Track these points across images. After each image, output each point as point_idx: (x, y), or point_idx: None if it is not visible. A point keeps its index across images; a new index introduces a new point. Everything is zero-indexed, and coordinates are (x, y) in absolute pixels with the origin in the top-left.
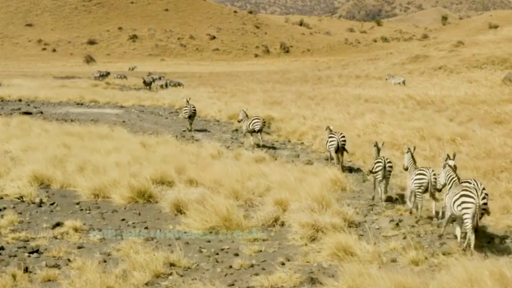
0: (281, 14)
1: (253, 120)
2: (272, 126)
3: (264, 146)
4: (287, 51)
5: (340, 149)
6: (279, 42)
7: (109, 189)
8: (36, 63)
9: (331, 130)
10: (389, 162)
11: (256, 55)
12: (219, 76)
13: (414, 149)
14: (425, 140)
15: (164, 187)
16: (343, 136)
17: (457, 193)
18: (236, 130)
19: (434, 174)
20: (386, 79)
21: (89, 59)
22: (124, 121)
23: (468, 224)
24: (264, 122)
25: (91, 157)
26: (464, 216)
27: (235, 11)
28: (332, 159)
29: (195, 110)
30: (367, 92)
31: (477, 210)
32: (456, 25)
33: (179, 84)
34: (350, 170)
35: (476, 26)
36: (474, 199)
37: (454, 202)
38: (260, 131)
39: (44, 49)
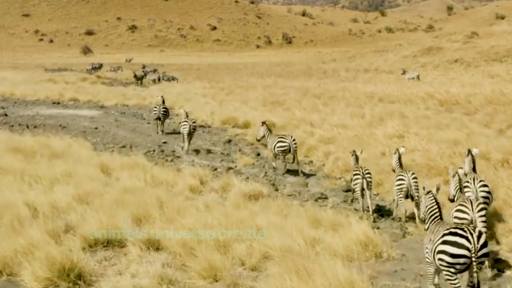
0: (283, 4)
1: (278, 139)
2: None
3: (264, 164)
4: (290, 42)
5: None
6: (281, 33)
7: (20, 261)
8: (32, 54)
9: (357, 158)
10: (368, 172)
11: (257, 46)
12: (218, 69)
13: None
14: None
15: (109, 254)
16: (368, 173)
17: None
18: (230, 141)
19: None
20: (402, 74)
21: (87, 50)
22: (96, 128)
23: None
24: (295, 141)
25: (19, 195)
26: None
27: (236, 1)
28: (356, 198)
29: (195, 126)
30: (379, 89)
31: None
32: (462, 15)
33: (173, 79)
34: (379, 209)
35: (482, 17)
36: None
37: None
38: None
39: (41, 39)
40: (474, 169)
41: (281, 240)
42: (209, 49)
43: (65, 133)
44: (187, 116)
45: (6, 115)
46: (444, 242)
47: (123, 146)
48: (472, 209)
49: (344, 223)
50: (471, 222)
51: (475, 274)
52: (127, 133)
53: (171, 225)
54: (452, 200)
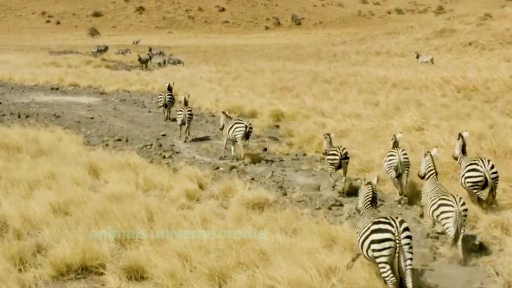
0: None
1: (331, 152)
2: (281, 129)
3: (271, 161)
4: (299, 24)
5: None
6: (290, 14)
7: None
8: (39, 36)
9: (396, 143)
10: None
11: (266, 28)
12: (226, 51)
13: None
14: (501, 159)
15: (82, 286)
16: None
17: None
18: None
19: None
20: (416, 58)
21: (94, 32)
22: (92, 118)
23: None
24: (347, 154)
25: None
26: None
27: None
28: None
29: (191, 114)
30: (392, 74)
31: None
32: None
33: (179, 62)
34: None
35: None
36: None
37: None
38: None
39: (48, 21)
40: (464, 152)
41: (289, 270)
42: (217, 30)
43: (58, 124)
44: (185, 104)
45: None
46: (372, 232)
47: (119, 140)
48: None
49: None
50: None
51: (402, 259)
52: (125, 123)
53: (160, 247)
54: (422, 177)
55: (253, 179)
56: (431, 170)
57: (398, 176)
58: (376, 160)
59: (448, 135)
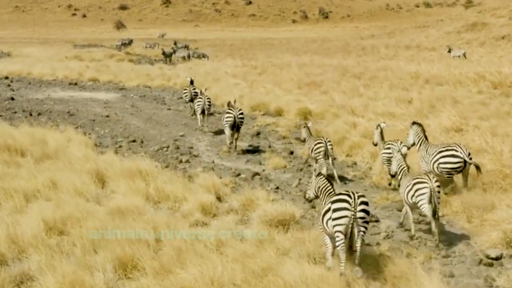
0: None
1: (316, 143)
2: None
3: (297, 166)
4: (326, 17)
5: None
6: (318, 7)
7: None
8: (65, 29)
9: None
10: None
11: (293, 21)
12: (252, 45)
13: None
14: None
15: None
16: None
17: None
18: (258, 133)
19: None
20: (448, 52)
21: (120, 25)
22: (108, 116)
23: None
24: (331, 145)
25: None
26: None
27: None
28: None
29: (210, 102)
30: (424, 69)
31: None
32: None
33: (204, 56)
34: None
35: None
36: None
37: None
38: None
39: (74, 14)
40: (426, 139)
41: None
42: (244, 24)
43: (71, 123)
44: (201, 93)
45: (12, 99)
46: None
47: (133, 141)
48: None
49: (409, 276)
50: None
51: (355, 232)
52: (142, 122)
53: (165, 279)
54: (375, 144)
55: (277, 188)
56: (403, 167)
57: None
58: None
59: (491, 138)
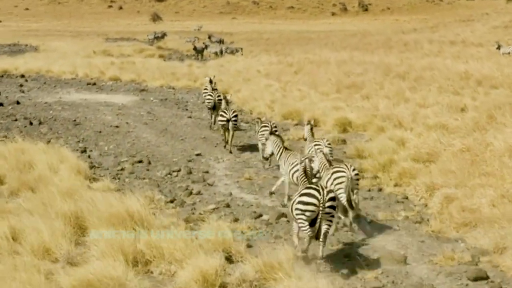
0: None
1: (336, 171)
2: (348, 145)
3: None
4: (366, 9)
5: None
6: (357, 0)
7: None
8: (101, 21)
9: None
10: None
11: (333, 14)
12: (289, 39)
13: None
14: None
15: None
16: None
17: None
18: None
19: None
20: (497, 48)
21: (156, 18)
22: (117, 126)
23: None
24: (358, 175)
25: None
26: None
27: None
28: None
29: (236, 118)
30: (473, 67)
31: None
32: None
33: (237, 51)
34: None
35: None
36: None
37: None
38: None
39: (110, 6)
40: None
41: None
42: (282, 16)
43: (74, 135)
44: (226, 100)
45: (18, 103)
46: (301, 195)
47: (139, 161)
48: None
49: None
50: None
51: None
52: (154, 135)
53: None
54: (306, 139)
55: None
56: (324, 164)
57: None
58: (485, 210)
59: None
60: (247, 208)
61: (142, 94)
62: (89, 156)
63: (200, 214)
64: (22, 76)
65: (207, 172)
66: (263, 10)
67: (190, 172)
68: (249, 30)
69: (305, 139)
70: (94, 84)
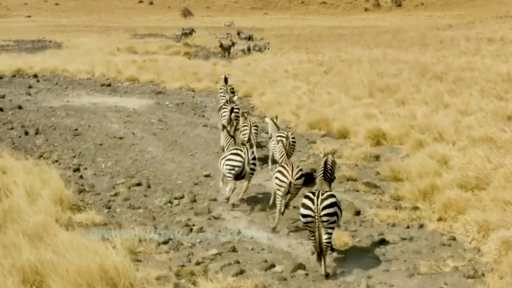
0: None
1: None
2: (382, 163)
3: (365, 247)
4: (399, 5)
5: None
6: None
7: None
8: (131, 16)
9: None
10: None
11: (365, 9)
12: (321, 36)
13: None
14: None
15: None
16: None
17: None
18: (314, 171)
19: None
20: None
21: (187, 13)
22: (121, 138)
23: None
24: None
25: None
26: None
27: None
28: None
29: (257, 130)
30: None
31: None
32: None
33: (265, 48)
34: None
35: None
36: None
37: None
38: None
39: (140, 1)
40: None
41: None
42: (314, 12)
43: (70, 148)
44: (244, 117)
45: (20, 107)
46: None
47: (138, 184)
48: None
49: None
50: None
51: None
52: (162, 149)
53: None
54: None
55: None
56: (283, 153)
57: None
58: None
59: None
60: (258, 253)
61: (157, 97)
62: (81, 176)
63: (197, 263)
64: (35, 76)
65: (214, 200)
66: (295, 6)
67: (194, 200)
68: (280, 26)
69: (270, 137)
70: (109, 85)
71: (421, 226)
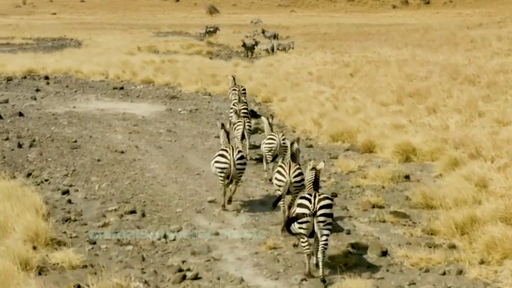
0: None
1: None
2: (412, 187)
3: None
4: (428, 2)
5: None
6: None
7: None
8: (156, 14)
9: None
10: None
11: (393, 7)
12: (347, 34)
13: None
14: None
15: None
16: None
17: None
18: (335, 196)
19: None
20: None
21: (213, 10)
22: (122, 152)
23: None
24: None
25: None
26: None
27: None
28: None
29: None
30: None
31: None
32: None
33: (290, 47)
34: None
35: None
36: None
37: None
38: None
39: None
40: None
41: None
42: (342, 9)
43: (64, 164)
44: (239, 116)
45: (20, 114)
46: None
47: (132, 211)
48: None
49: None
50: None
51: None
52: (166, 166)
53: None
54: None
55: None
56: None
57: None
58: None
59: None
60: None
61: (171, 103)
62: (69, 201)
63: None
64: (46, 77)
65: (216, 234)
66: (322, 3)
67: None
68: (306, 23)
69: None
70: (121, 88)
71: (460, 272)
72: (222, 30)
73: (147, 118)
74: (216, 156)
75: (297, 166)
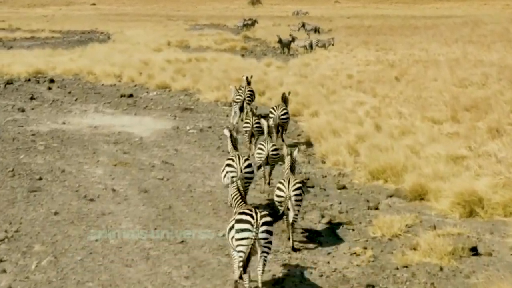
0: None
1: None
2: (479, 265)
3: None
4: None
5: None
6: None
7: None
8: (198, 5)
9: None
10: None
11: None
12: (392, 28)
13: None
14: None
15: None
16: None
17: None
18: (371, 287)
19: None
20: None
21: (255, 1)
22: (91, 200)
23: None
24: None
25: None
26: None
27: None
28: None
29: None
30: None
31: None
32: None
33: (330, 43)
34: None
35: None
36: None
37: None
38: None
39: None
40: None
41: None
42: (387, 0)
43: (10, 219)
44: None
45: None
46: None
47: None
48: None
49: None
50: None
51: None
52: (143, 224)
53: None
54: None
55: None
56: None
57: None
58: None
59: None
60: None
61: (181, 117)
62: None
63: None
64: (51, 81)
65: None
66: None
67: None
68: (350, 15)
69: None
70: (130, 96)
71: None
72: (261, 22)
73: (145, 141)
74: (224, 166)
75: (297, 180)
